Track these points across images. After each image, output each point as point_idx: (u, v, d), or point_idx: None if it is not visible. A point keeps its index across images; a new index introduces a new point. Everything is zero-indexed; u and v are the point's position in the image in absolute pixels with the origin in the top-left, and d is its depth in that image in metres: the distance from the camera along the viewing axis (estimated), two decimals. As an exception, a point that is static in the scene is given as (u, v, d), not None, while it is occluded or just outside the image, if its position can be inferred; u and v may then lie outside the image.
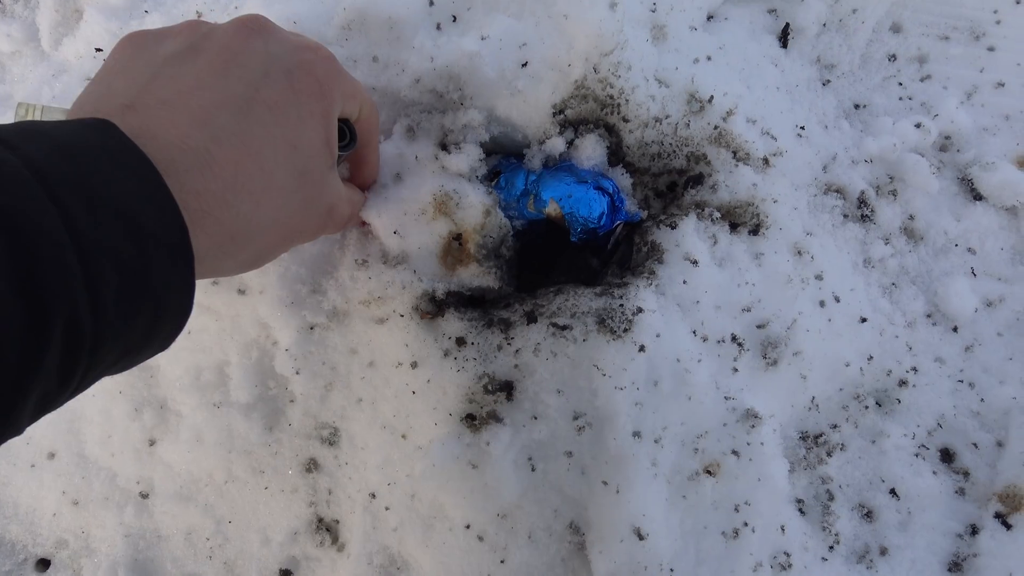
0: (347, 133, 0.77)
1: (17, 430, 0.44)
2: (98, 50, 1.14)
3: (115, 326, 0.46)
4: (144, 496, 1.01)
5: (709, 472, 0.94)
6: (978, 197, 1.29)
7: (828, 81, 1.33)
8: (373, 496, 0.95)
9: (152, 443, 0.99)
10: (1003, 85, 1.37)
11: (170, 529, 1.02)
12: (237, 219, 0.59)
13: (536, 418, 0.89)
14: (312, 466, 0.98)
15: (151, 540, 1.02)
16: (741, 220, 1.05)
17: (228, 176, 0.58)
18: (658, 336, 0.90)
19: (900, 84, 1.37)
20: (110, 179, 0.47)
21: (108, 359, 0.47)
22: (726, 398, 0.97)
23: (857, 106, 1.34)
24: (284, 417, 0.97)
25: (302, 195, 0.67)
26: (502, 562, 0.91)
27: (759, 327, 1.02)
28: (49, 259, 0.41)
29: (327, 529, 0.99)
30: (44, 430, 1.03)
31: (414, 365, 0.91)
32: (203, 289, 0.93)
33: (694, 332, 0.96)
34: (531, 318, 0.91)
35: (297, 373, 0.94)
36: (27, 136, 0.47)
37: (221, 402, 0.95)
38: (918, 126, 1.29)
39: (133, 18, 1.15)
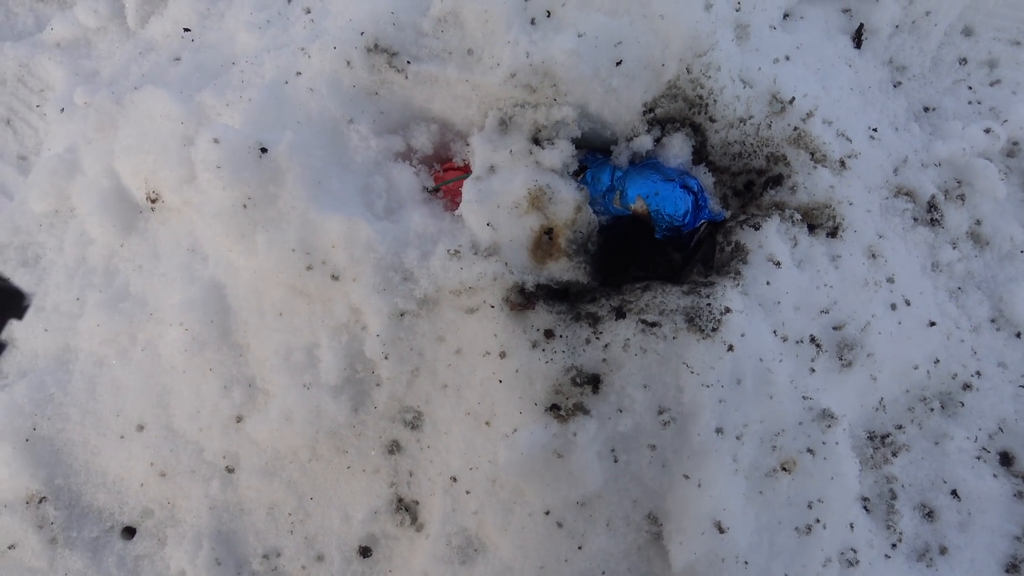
0: None
1: None
2: (186, 30, 1.16)
3: None
4: (230, 470, 1.04)
5: (785, 469, 0.96)
6: (1045, 204, 1.30)
7: (899, 83, 1.34)
8: (454, 479, 0.98)
9: (239, 419, 1.02)
10: (1073, 92, 1.37)
11: (254, 503, 1.05)
12: None
13: (621, 411, 0.91)
14: (395, 448, 1.00)
15: (235, 513, 1.05)
16: (819, 222, 1.07)
17: None
18: (743, 336, 0.92)
19: (970, 88, 1.37)
20: None
21: None
22: (804, 398, 0.99)
23: (927, 109, 1.35)
24: (370, 400, 0.99)
25: None
26: (579, 548, 0.94)
27: (835, 328, 1.04)
28: None
29: (407, 509, 1.02)
30: (134, 403, 1.06)
31: (502, 355, 0.93)
32: (297, 273, 0.95)
33: (775, 332, 0.98)
34: (620, 313, 0.93)
35: (385, 358, 0.96)
36: None
37: (311, 383, 0.98)
38: (987, 131, 1.29)
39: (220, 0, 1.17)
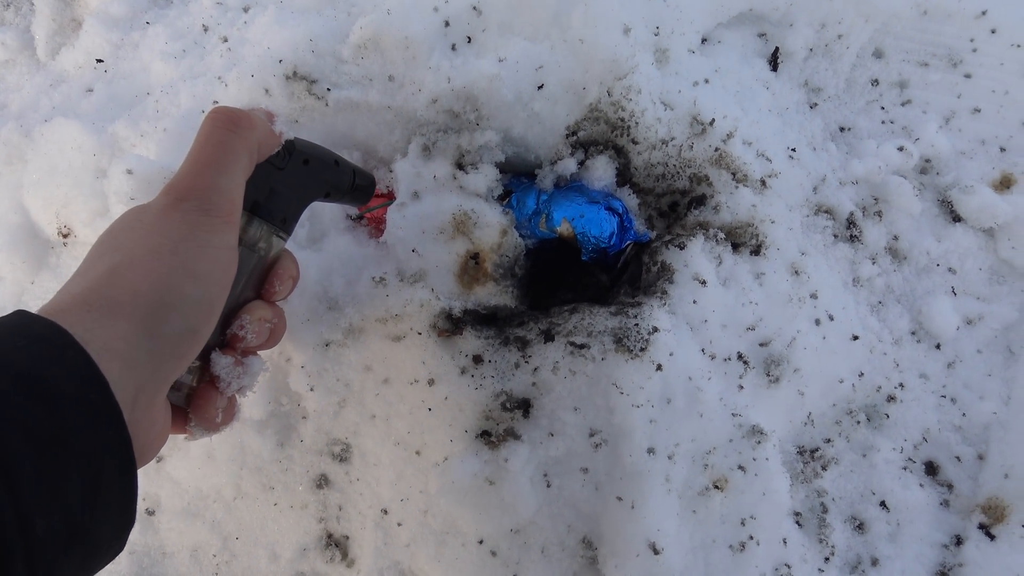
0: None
1: None
2: (99, 61, 1.13)
3: (43, 498, 0.42)
4: (150, 513, 1.00)
5: (717, 487, 0.97)
6: (957, 219, 1.34)
7: (815, 104, 1.38)
8: (385, 512, 0.96)
9: (159, 459, 0.98)
10: (979, 111, 1.42)
11: (176, 546, 1.01)
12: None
13: (553, 435, 0.91)
14: (323, 482, 0.98)
15: (156, 557, 1.01)
16: (742, 240, 1.08)
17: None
18: (672, 355, 0.93)
19: (883, 108, 1.42)
20: (13, 346, 0.45)
21: (54, 537, 0.43)
22: (733, 415, 1.00)
23: (843, 128, 1.39)
24: (296, 433, 0.97)
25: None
26: (515, 577, 0.92)
27: (762, 345, 1.05)
28: None
29: (337, 545, 0.99)
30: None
31: (431, 382, 0.92)
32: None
33: (703, 350, 0.99)
34: (548, 336, 0.93)
35: (311, 389, 0.94)
36: None
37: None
38: (900, 149, 1.34)
39: (134, 28, 1.14)
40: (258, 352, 0.74)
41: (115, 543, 0.51)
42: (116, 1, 1.14)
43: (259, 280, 0.73)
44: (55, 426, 0.44)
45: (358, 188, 0.84)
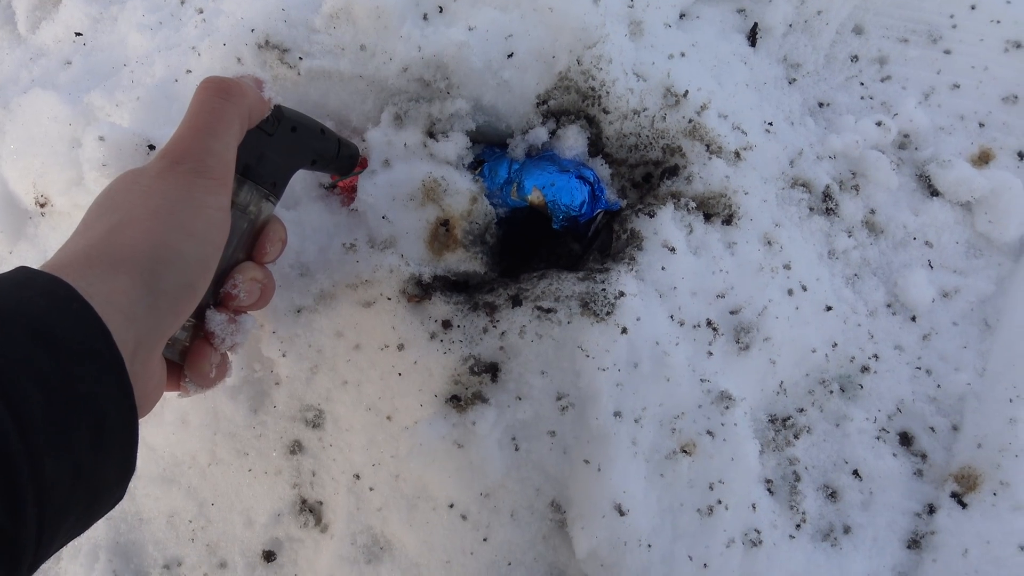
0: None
1: None
2: (78, 34, 1.14)
3: (52, 441, 0.43)
4: (127, 479, 1.01)
5: (685, 451, 0.98)
6: (935, 193, 1.35)
7: (794, 80, 1.38)
8: (357, 477, 0.97)
9: (135, 426, 0.99)
10: (958, 87, 1.43)
11: (152, 512, 1.02)
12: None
13: (520, 399, 0.92)
14: (296, 448, 0.99)
15: (132, 523, 1.02)
16: (714, 211, 1.09)
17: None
18: (638, 320, 0.94)
19: (862, 84, 1.43)
20: (19, 298, 0.47)
21: (61, 479, 0.45)
22: (701, 380, 1.00)
23: (821, 104, 1.39)
24: (269, 399, 0.98)
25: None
26: (485, 540, 0.94)
27: (732, 313, 1.06)
28: None
29: (311, 510, 1.00)
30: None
31: (400, 347, 0.93)
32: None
33: (671, 316, 1.00)
34: (516, 301, 0.94)
35: (283, 355, 0.95)
36: None
37: (207, 384, 0.96)
38: (879, 124, 1.34)
39: (113, 3, 1.15)
40: (249, 311, 0.76)
41: (116, 489, 0.53)
42: (95, -25, 1.15)
43: (250, 242, 0.76)
44: (63, 373, 0.45)
45: (343, 157, 0.86)
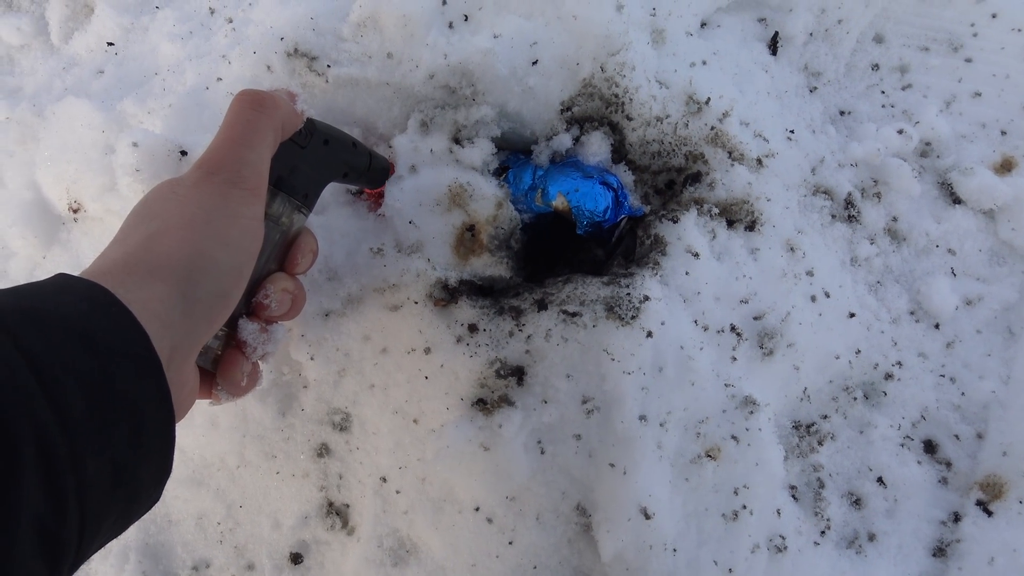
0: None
1: (22, 567, 0.40)
2: (110, 44, 1.16)
3: (93, 440, 0.44)
4: (156, 480, 1.02)
5: (710, 456, 0.98)
6: (957, 201, 1.35)
7: (815, 88, 1.39)
8: (384, 480, 0.98)
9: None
10: (979, 95, 1.43)
11: (181, 514, 1.03)
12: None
13: (546, 402, 0.92)
14: (323, 451, 1.00)
15: (162, 525, 1.03)
16: (737, 217, 1.10)
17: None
18: (663, 324, 0.94)
19: (883, 92, 1.43)
20: (60, 303, 0.48)
21: (101, 478, 0.46)
22: (726, 385, 1.01)
23: (842, 112, 1.40)
24: (297, 402, 0.99)
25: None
26: (510, 543, 0.94)
27: (756, 319, 1.06)
28: (3, 383, 0.41)
29: (337, 513, 1.01)
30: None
31: (427, 351, 0.94)
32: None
33: (696, 321, 1.00)
34: (541, 305, 0.94)
35: (311, 359, 0.96)
36: None
37: (237, 386, 0.97)
38: (900, 132, 1.34)
39: (144, 13, 1.18)
40: (280, 321, 0.77)
41: (154, 491, 0.54)
42: (127, -13, 1.18)
43: (282, 253, 0.77)
44: (104, 374, 0.47)
45: (374, 170, 0.88)
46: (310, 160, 0.77)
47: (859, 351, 1.19)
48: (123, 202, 0.97)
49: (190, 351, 0.60)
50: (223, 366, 0.71)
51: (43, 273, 1.08)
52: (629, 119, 1.07)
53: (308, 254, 0.79)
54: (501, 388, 0.93)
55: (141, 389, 0.49)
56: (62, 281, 0.52)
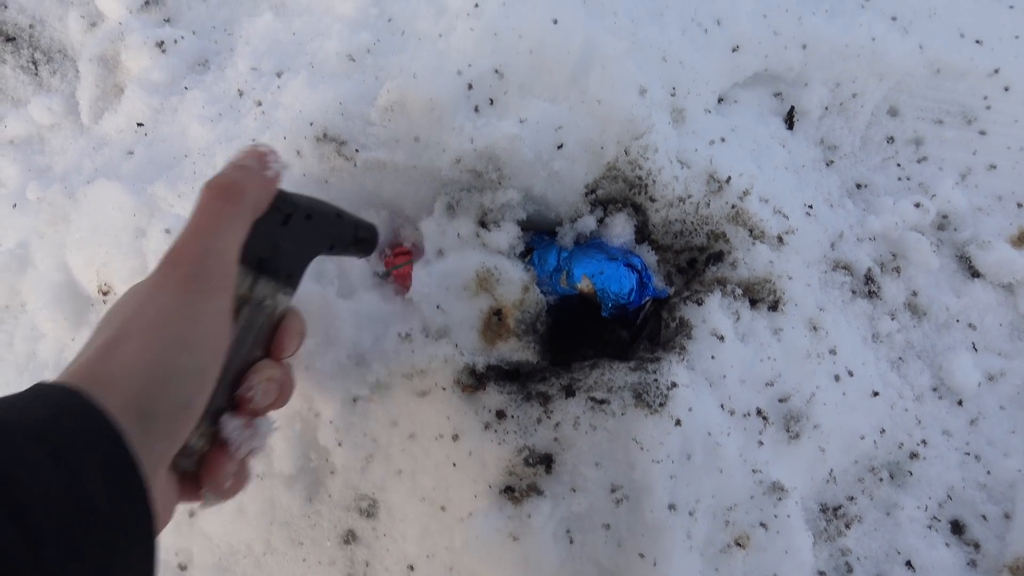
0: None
1: None
2: (139, 124, 1.18)
3: (65, 560, 0.43)
4: (183, 568, 1.01)
5: (739, 544, 0.97)
6: (976, 274, 1.35)
7: (831, 162, 1.40)
8: (411, 568, 0.97)
9: (192, 514, 1.00)
10: (995, 167, 1.44)
11: (205, 600, 1.02)
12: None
13: (575, 490, 0.92)
14: (350, 538, 0.99)
15: (184, 611, 1.02)
16: (760, 296, 1.10)
17: None
18: (691, 410, 0.94)
19: (899, 165, 1.44)
20: (23, 410, 0.48)
21: None
22: (753, 471, 1.00)
23: (859, 185, 1.41)
24: (324, 488, 0.99)
25: None
26: (538, 633, 0.93)
27: (781, 401, 1.06)
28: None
29: (362, 600, 1.00)
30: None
31: (455, 438, 0.93)
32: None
33: (722, 406, 1.00)
34: (569, 392, 0.94)
35: (339, 445, 0.96)
36: None
37: (264, 473, 0.97)
38: (917, 205, 1.35)
39: (173, 93, 1.20)
40: (269, 412, 0.74)
41: None
42: (156, 68, 1.20)
43: (267, 337, 0.74)
44: (78, 491, 0.45)
45: (361, 240, 0.84)
46: (293, 237, 0.74)
47: (884, 430, 1.18)
48: (152, 286, 0.98)
49: (155, 468, 0.57)
50: (206, 469, 0.68)
51: (71, 355, 1.08)
52: (652, 200, 1.08)
53: (295, 337, 0.75)
54: (530, 476, 0.92)
55: (118, 503, 0.48)
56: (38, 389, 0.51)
